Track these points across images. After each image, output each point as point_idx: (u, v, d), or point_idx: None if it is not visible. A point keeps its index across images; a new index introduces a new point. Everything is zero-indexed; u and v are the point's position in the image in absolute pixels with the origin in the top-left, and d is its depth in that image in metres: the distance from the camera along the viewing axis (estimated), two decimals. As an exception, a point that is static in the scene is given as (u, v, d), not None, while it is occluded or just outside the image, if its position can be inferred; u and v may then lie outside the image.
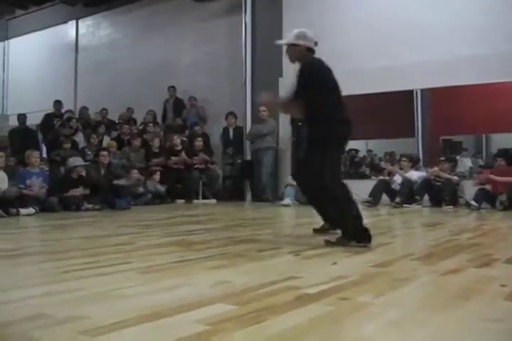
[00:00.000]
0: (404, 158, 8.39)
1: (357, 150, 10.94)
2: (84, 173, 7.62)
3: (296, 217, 6.40)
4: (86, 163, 8.03)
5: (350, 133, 3.71)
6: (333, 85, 3.78)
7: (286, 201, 8.27)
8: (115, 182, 7.78)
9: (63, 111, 11.26)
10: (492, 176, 7.38)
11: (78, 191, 7.23)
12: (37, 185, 6.83)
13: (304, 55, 3.81)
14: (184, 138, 9.99)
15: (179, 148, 9.62)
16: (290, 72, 10.52)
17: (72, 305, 1.78)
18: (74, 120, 10.24)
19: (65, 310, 1.69)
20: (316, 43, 3.90)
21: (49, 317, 1.60)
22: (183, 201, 9.11)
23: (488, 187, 7.45)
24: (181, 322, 1.57)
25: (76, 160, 7.69)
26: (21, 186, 6.65)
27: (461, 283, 2.19)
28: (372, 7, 9.50)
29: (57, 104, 11.30)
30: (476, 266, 2.57)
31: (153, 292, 1.99)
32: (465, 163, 9.16)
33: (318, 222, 5.20)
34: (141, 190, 8.50)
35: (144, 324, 1.54)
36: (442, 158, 8.10)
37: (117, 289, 2.02)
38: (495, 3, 8.39)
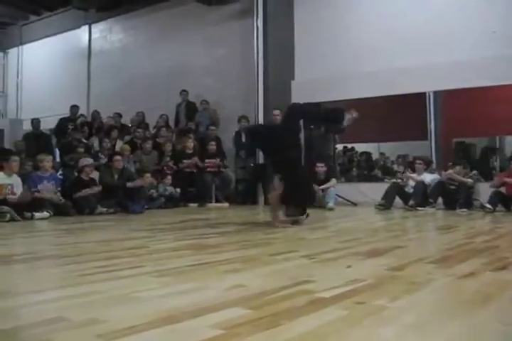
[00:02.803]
0: (419, 161, 8.31)
1: (370, 153, 10.92)
2: (95, 175, 7.68)
3: (309, 220, 6.38)
4: (95, 163, 8.10)
5: None
6: None
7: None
8: (128, 184, 7.79)
9: (77, 115, 11.34)
10: (508, 179, 7.31)
11: (90, 190, 7.27)
12: (49, 190, 6.88)
13: None
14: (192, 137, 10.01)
15: (191, 151, 9.65)
16: (302, 75, 10.61)
17: (88, 309, 1.79)
18: (86, 124, 10.29)
19: (82, 314, 1.70)
20: None
21: (66, 321, 1.61)
22: (196, 205, 9.12)
23: (503, 189, 7.40)
24: (197, 326, 1.57)
25: (86, 161, 7.73)
26: (34, 189, 6.71)
27: (477, 286, 2.18)
28: (384, 9, 9.50)
29: (74, 108, 11.38)
30: (493, 270, 2.55)
31: (168, 295, 2.00)
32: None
33: (332, 225, 5.20)
34: (154, 193, 8.53)
35: (159, 328, 1.54)
36: (450, 163, 8.04)
37: (133, 293, 2.03)
38: (508, 4, 8.35)
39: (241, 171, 10.07)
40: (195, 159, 9.49)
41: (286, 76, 10.25)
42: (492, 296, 1.98)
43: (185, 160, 9.49)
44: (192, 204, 9.12)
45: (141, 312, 1.73)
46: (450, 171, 7.86)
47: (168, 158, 9.53)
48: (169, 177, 8.99)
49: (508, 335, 1.53)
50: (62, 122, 10.98)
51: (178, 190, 8.98)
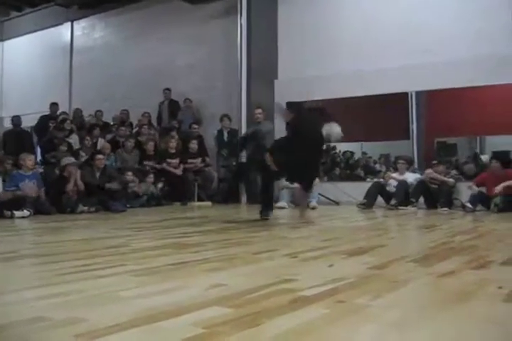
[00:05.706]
0: (401, 160, 8.38)
1: (352, 153, 10.95)
2: (76, 173, 7.62)
3: (291, 219, 6.40)
4: (77, 161, 8.03)
5: None
6: None
7: (282, 203, 8.26)
8: (107, 185, 7.72)
9: (58, 113, 11.24)
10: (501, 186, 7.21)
11: (69, 187, 7.22)
12: (30, 189, 6.80)
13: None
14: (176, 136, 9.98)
15: (174, 150, 9.61)
16: (285, 74, 10.60)
17: (69, 308, 1.77)
18: (68, 122, 10.20)
19: (62, 313, 1.68)
20: None
21: (46, 320, 1.59)
22: (178, 203, 9.09)
23: (483, 189, 7.46)
24: (178, 325, 1.56)
25: (68, 160, 7.67)
26: (13, 189, 6.62)
27: (458, 285, 2.19)
28: (367, 8, 9.54)
29: (54, 106, 11.28)
30: (473, 268, 2.57)
31: (149, 294, 1.98)
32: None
33: (314, 224, 5.20)
34: (135, 192, 8.48)
35: (140, 327, 1.53)
36: (434, 162, 8.11)
37: (113, 292, 2.01)
38: (491, 5, 8.42)
39: (223, 170, 10.05)
40: (177, 163, 9.45)
41: (269, 75, 10.25)
42: (472, 294, 2.00)
43: (168, 160, 9.46)
44: (174, 203, 9.10)
45: (122, 311, 1.71)
46: (430, 170, 7.92)
47: (150, 158, 9.48)
48: (151, 175, 8.95)
49: (488, 332, 1.54)
50: (43, 120, 10.88)
51: (160, 185, 8.95)
